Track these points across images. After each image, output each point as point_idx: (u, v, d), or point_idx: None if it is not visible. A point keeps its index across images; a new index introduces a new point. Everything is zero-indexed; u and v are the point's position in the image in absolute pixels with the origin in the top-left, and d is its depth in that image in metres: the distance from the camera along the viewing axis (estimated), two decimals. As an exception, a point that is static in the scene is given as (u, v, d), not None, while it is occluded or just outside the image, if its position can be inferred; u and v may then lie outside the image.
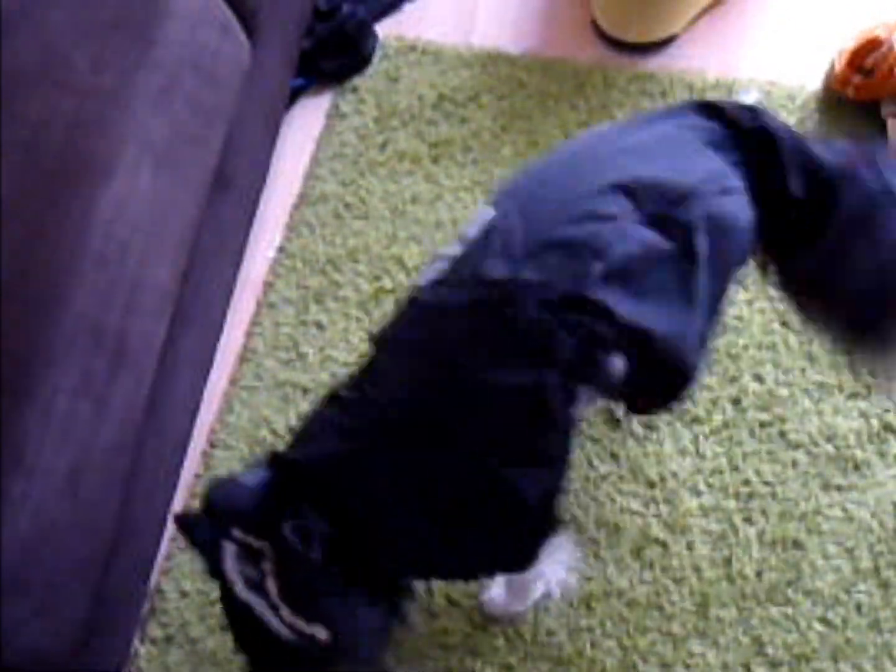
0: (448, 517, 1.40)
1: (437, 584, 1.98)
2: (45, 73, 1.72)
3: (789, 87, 2.42)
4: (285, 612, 1.35)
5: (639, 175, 1.41)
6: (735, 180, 1.46)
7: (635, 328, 1.36)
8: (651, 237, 1.37)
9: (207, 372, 2.07)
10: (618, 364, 1.39)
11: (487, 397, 1.36)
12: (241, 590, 1.38)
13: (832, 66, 2.35)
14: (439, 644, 1.95)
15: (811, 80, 2.42)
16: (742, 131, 1.51)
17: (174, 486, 1.98)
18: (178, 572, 2.04)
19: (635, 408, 1.72)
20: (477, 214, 1.48)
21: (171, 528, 1.99)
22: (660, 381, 1.50)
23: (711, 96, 2.41)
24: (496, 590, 1.93)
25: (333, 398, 1.48)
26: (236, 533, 1.38)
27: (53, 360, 1.56)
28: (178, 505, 2.03)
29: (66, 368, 1.56)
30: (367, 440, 1.40)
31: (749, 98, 2.38)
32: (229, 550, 1.39)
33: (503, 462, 1.39)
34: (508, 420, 1.38)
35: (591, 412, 1.56)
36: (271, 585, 1.36)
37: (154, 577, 2.00)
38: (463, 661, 1.93)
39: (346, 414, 1.45)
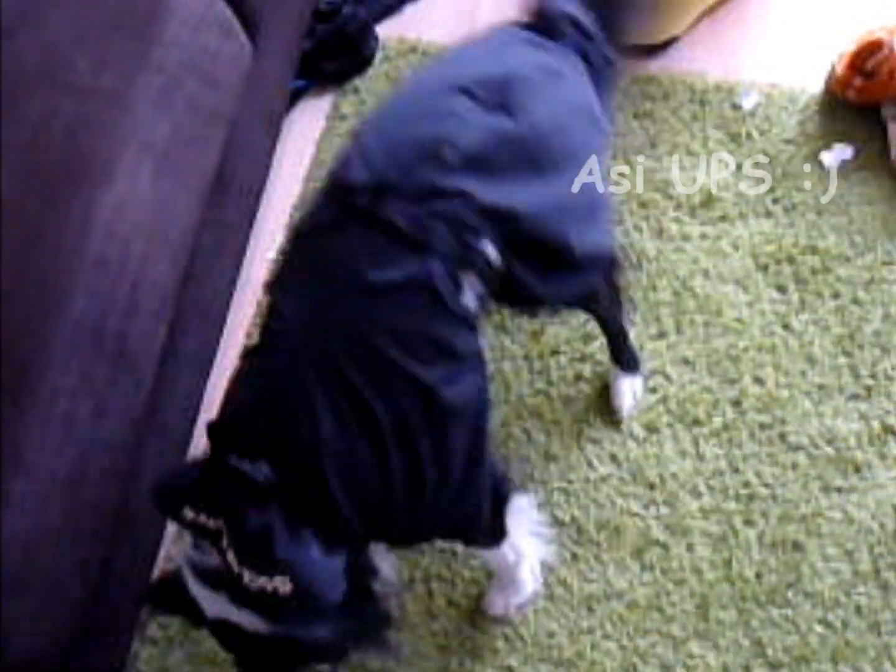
0: (383, 437, 1.41)
1: (437, 586, 1.98)
2: (45, 74, 1.72)
3: (790, 90, 2.42)
4: (247, 576, 1.36)
5: (470, 75, 1.51)
6: (556, 61, 1.60)
7: (498, 209, 1.44)
8: (494, 121, 1.47)
9: (208, 373, 2.07)
10: (490, 249, 1.45)
11: (381, 299, 1.41)
12: (209, 604, 1.42)
13: (833, 69, 2.35)
14: (439, 645, 1.95)
15: (812, 83, 2.41)
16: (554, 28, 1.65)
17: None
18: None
19: (533, 306, 1.71)
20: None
21: (171, 529, 1.99)
22: (546, 262, 1.53)
23: (712, 98, 2.41)
24: (492, 592, 1.94)
25: (246, 353, 1.52)
26: (188, 513, 1.39)
27: (53, 361, 1.56)
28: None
29: (67, 369, 1.57)
30: (279, 378, 1.42)
31: (750, 100, 2.39)
32: (187, 571, 1.43)
33: (418, 362, 1.42)
34: (407, 316, 1.42)
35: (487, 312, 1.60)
36: (231, 559, 1.37)
37: (154, 579, 2.00)
38: (463, 663, 1.93)
39: (256, 359, 1.48)
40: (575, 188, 1.53)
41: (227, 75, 1.93)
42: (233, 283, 2.19)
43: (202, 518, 1.39)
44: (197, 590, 1.43)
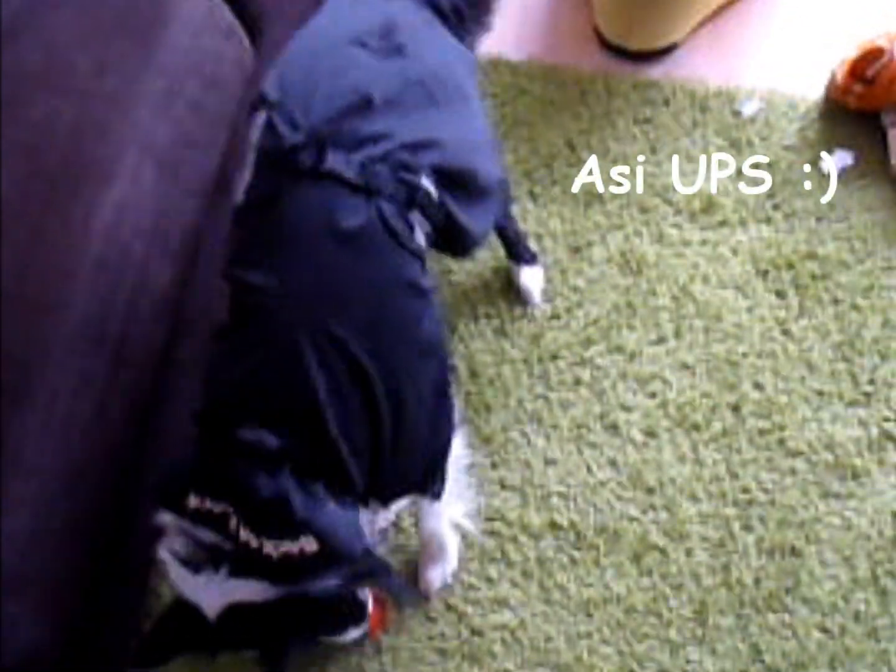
0: (373, 390, 1.46)
1: (436, 591, 1.98)
2: (47, 77, 1.73)
3: (790, 96, 2.42)
4: (269, 546, 1.39)
5: (356, 27, 1.59)
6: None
7: (424, 144, 1.52)
8: (394, 65, 1.54)
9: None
10: (429, 183, 1.52)
11: (349, 248, 1.45)
12: (209, 594, 1.45)
13: (833, 76, 2.36)
14: (436, 649, 1.95)
15: (812, 90, 2.42)
16: None
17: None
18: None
19: (465, 243, 1.76)
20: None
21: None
22: (464, 192, 1.62)
23: (713, 105, 2.42)
24: (427, 569, 1.97)
25: (219, 334, 1.53)
26: (192, 501, 1.42)
27: (54, 362, 1.56)
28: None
29: (67, 371, 1.57)
30: (269, 348, 1.45)
31: (750, 107, 2.39)
32: (177, 569, 1.47)
33: (396, 305, 1.50)
34: (376, 260, 1.48)
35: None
36: (247, 536, 1.40)
37: (153, 579, 1.99)
38: (460, 667, 1.94)
39: (237, 338, 1.50)
40: (470, 121, 1.65)
41: (229, 78, 1.93)
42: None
43: (207, 503, 1.42)
44: (191, 584, 1.45)
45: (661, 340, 2.18)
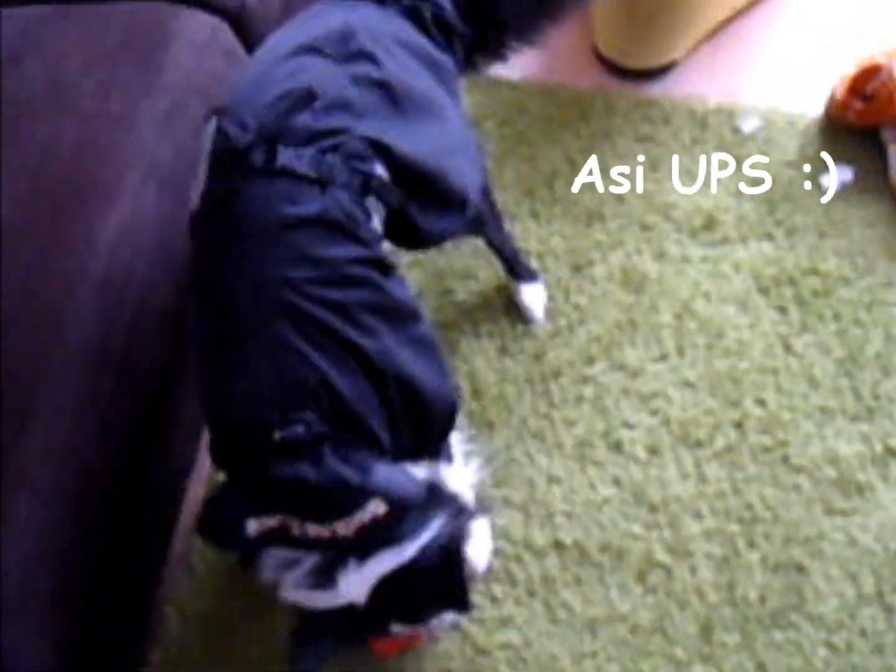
0: (369, 358, 1.49)
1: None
2: (52, 99, 1.74)
3: (790, 114, 2.43)
4: (341, 527, 1.44)
5: (311, 35, 1.59)
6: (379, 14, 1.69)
7: (375, 141, 1.52)
8: (350, 69, 1.55)
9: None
10: (379, 168, 1.53)
11: (301, 233, 1.46)
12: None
13: (833, 93, 2.36)
14: (441, 669, 1.94)
15: (812, 107, 2.43)
16: None
17: (178, 510, 1.98)
18: (180, 596, 2.03)
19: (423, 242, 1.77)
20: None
21: (175, 551, 1.99)
22: (428, 200, 1.63)
23: (712, 122, 2.43)
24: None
25: (205, 353, 1.53)
26: (253, 526, 1.44)
27: (57, 381, 1.57)
28: (182, 529, 2.03)
29: (70, 390, 1.57)
30: (258, 347, 1.45)
31: (750, 124, 2.40)
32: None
33: (359, 272, 1.50)
34: (329, 239, 1.48)
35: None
36: (315, 531, 1.44)
37: (156, 601, 2.00)
38: (466, 686, 1.93)
39: (225, 351, 1.49)
40: (440, 126, 1.64)
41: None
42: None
43: (266, 522, 1.44)
44: (329, 595, 1.51)
45: (663, 357, 2.18)
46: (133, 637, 1.89)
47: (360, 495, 1.44)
